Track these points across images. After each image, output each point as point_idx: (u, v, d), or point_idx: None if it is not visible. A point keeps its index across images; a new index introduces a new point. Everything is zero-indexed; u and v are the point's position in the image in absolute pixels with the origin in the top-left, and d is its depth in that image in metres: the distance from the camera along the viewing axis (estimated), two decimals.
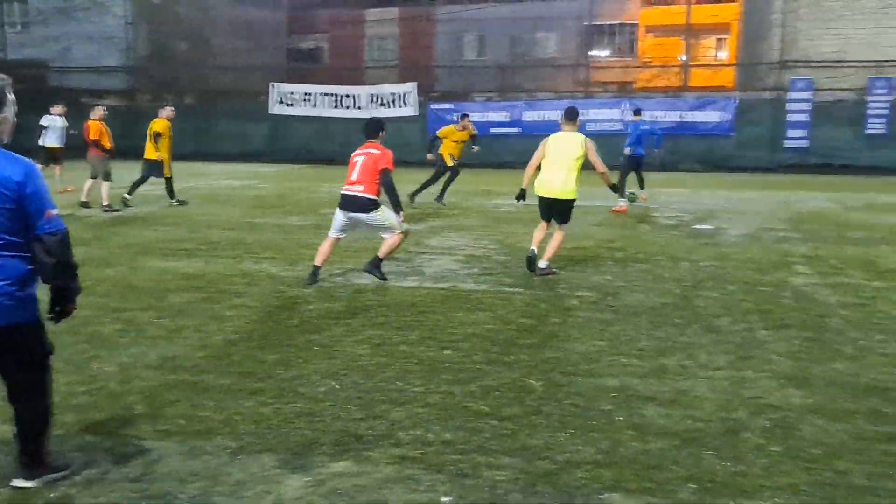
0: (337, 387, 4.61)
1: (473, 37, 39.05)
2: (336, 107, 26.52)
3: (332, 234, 7.53)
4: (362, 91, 26.69)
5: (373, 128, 7.61)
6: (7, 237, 3.07)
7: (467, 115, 15.15)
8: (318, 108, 26.70)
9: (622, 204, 13.33)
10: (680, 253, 9.27)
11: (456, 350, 5.36)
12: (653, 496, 3.31)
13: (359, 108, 26.16)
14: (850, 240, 10.28)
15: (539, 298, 6.94)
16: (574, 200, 8.00)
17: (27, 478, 3.31)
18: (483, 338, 5.66)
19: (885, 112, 21.39)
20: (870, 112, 21.48)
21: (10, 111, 3.20)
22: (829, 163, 21.83)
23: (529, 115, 24.46)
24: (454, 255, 9.10)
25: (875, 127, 21.59)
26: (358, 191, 7.29)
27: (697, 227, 11.64)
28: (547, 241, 8.06)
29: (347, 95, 26.60)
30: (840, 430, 4.00)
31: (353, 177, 7.34)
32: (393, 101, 25.83)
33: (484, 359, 5.16)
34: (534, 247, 7.95)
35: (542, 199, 8.07)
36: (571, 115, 8.01)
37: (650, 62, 32.71)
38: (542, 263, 7.89)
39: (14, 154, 3.14)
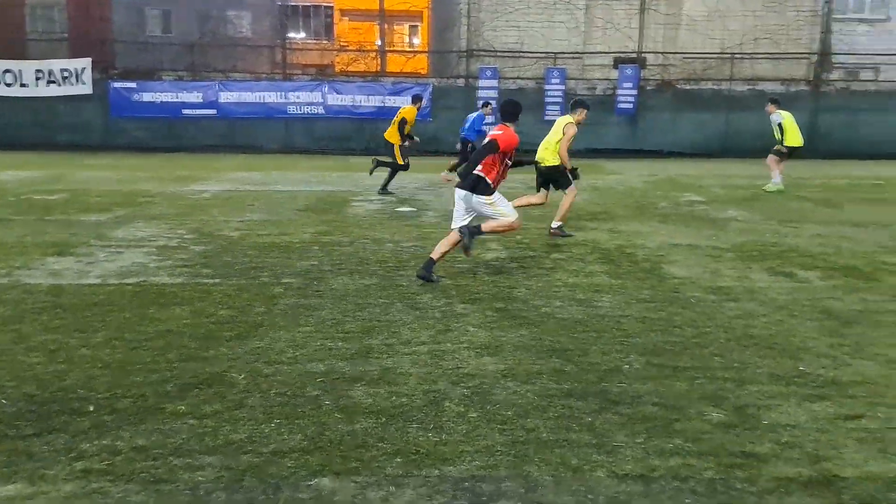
0: (4, 402, 4.08)
1: (157, 11, 36.73)
2: None
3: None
4: (26, 66, 23.79)
5: (510, 111, 7.44)
6: None
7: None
8: None
9: None
10: (384, 235, 9.60)
11: (148, 349, 5.02)
12: (360, 475, 3.40)
13: (23, 85, 23.32)
14: (533, 216, 11.39)
15: (241, 288, 6.76)
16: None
17: None
18: (179, 334, 5.37)
19: (559, 100, 24.04)
20: (547, 100, 23.99)
21: None
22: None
23: (226, 97, 23.64)
24: (144, 248, 8.52)
25: (551, 113, 24.15)
26: (478, 171, 7.24)
27: (400, 209, 12.14)
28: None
29: (7, 71, 23.55)
30: (528, 391, 4.43)
31: None
32: (65, 79, 23.38)
33: (180, 356, 4.90)
34: None
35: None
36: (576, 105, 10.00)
37: (347, 46, 33.37)
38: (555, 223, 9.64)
39: None
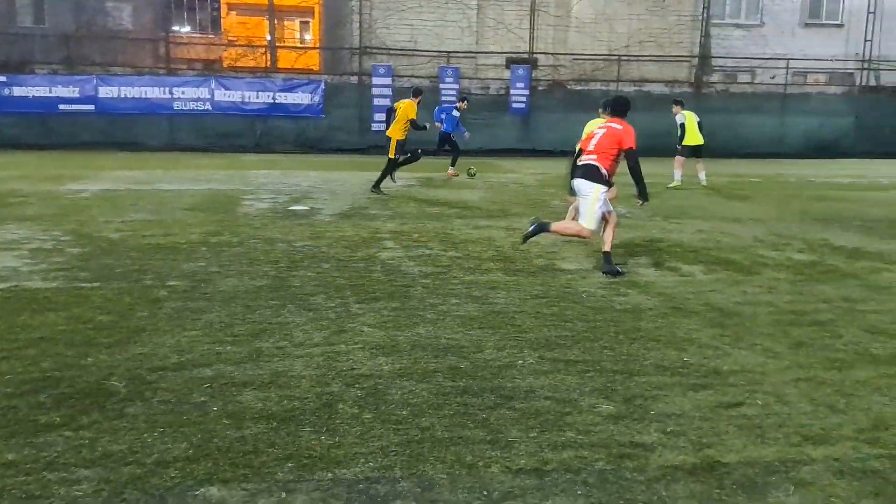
0: None
1: (28, 1, 34.68)
2: None
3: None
4: None
5: (621, 106, 7.89)
6: None
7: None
8: None
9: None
10: (275, 234, 9.40)
11: (19, 359, 4.73)
12: (249, 482, 3.30)
13: None
14: (430, 215, 11.45)
15: (122, 292, 6.46)
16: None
17: None
18: (54, 341, 5.08)
19: (453, 99, 24.22)
20: (442, 98, 24.12)
21: None
22: (411, 144, 24.03)
23: (105, 92, 22.61)
24: (16, 251, 8.04)
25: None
26: (591, 159, 7.61)
27: (292, 207, 11.93)
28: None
29: None
30: (424, 390, 4.43)
31: (590, 146, 7.71)
32: None
33: (55, 364, 4.64)
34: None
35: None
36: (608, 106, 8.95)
37: (235, 41, 32.54)
38: None
39: None
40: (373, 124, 23.90)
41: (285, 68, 27.62)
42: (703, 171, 16.24)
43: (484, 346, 5.28)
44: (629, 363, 4.99)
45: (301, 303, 6.28)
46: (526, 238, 7.96)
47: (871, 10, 28.21)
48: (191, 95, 22.95)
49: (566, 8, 26.12)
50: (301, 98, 23.65)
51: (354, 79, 24.61)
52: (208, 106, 23.00)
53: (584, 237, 7.88)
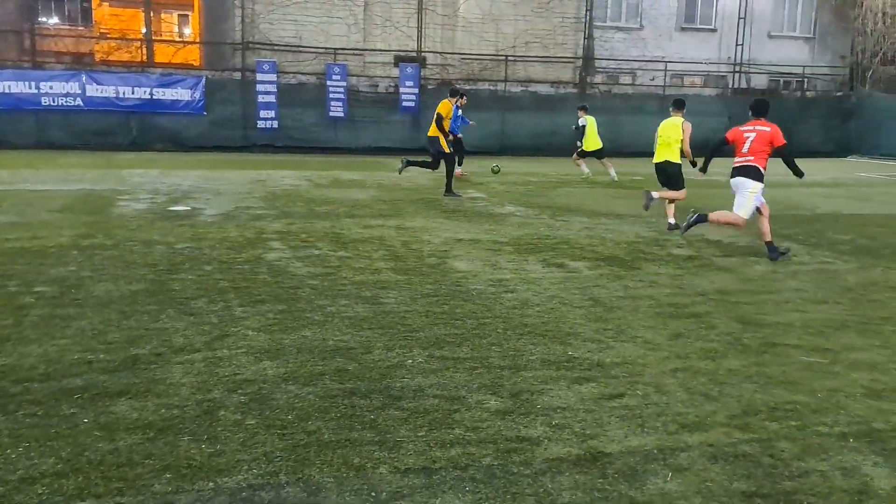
0: None
1: None
2: None
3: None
4: None
5: (762, 107, 9.06)
6: None
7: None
8: None
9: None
10: (154, 236, 9.06)
11: None
12: (124, 495, 3.17)
13: None
14: (319, 214, 11.31)
15: None
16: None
17: None
18: None
19: (342, 97, 24.06)
20: (330, 96, 23.91)
21: None
22: (298, 142, 23.71)
23: None
24: None
25: (336, 110, 24.14)
26: (749, 160, 8.75)
27: (173, 208, 11.53)
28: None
29: None
30: (310, 393, 4.37)
31: (745, 149, 8.82)
32: None
33: None
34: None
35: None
36: (679, 105, 11.23)
37: (108, 33, 31.13)
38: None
39: None
40: (258, 121, 23.41)
41: (163, 63, 26.67)
42: (612, 167, 17.70)
43: (373, 346, 5.26)
44: (517, 359, 5.09)
45: (181, 307, 6.07)
46: (686, 228, 9.38)
47: (742, 15, 29.86)
48: (60, 90, 21.78)
49: (453, 7, 26.37)
50: (181, 94, 22.86)
51: (238, 75, 24.00)
52: (79, 102, 21.89)
53: (738, 226, 9.04)
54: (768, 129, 8.81)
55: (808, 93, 30.67)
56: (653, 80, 28.77)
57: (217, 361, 4.83)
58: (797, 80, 31.14)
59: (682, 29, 29.76)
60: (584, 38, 28.04)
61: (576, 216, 11.80)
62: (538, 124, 25.78)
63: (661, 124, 11.18)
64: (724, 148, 9.28)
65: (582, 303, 6.61)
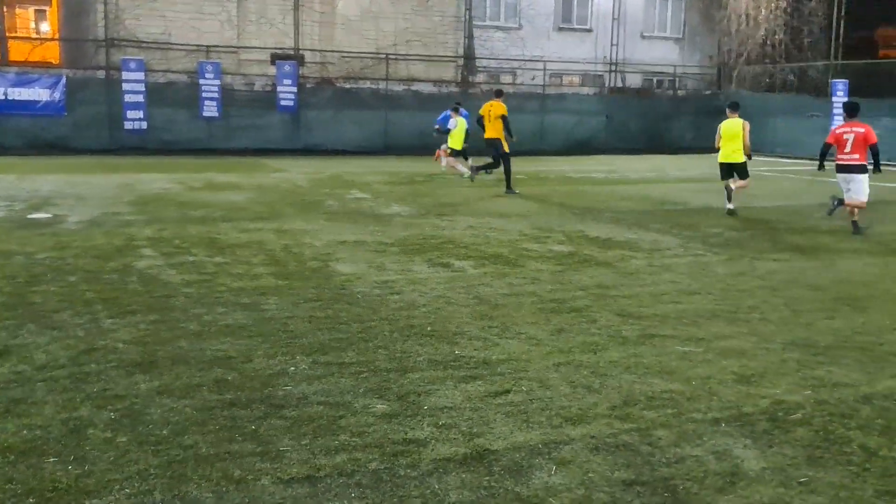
0: None
1: None
2: None
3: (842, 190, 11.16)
4: None
5: (855, 109, 11.14)
6: None
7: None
8: None
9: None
10: (12, 246, 8.55)
11: None
12: None
13: None
14: (193, 219, 10.98)
15: None
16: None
17: None
18: None
19: (216, 96, 23.41)
20: (204, 95, 23.22)
21: None
22: (170, 144, 22.89)
23: None
24: None
25: (209, 110, 23.46)
26: (854, 159, 10.85)
27: (32, 216, 10.92)
28: None
29: None
30: (187, 406, 4.23)
31: (847, 149, 10.86)
32: None
33: None
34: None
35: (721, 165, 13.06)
36: (735, 107, 13.21)
37: None
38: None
39: None
40: (125, 122, 22.46)
41: (18, 61, 25.19)
42: (464, 167, 17.98)
43: (253, 355, 5.15)
44: (403, 360, 5.10)
45: (43, 321, 5.76)
46: (830, 212, 11.46)
47: (616, 16, 31.05)
48: None
49: (331, 4, 26.15)
50: (39, 94, 21.66)
51: (101, 73, 22.95)
52: None
53: (862, 206, 10.92)
54: (862, 129, 10.84)
55: (679, 91, 32.21)
56: (533, 79, 29.48)
57: (84, 377, 4.61)
58: (669, 79, 32.66)
59: (560, 29, 30.66)
60: (465, 38, 28.44)
61: (461, 216, 11.94)
62: (422, 123, 25.92)
63: (723, 124, 12.93)
64: (830, 149, 11.27)
65: (468, 302, 6.70)
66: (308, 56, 26.02)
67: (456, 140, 18.21)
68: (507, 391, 4.59)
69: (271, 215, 11.53)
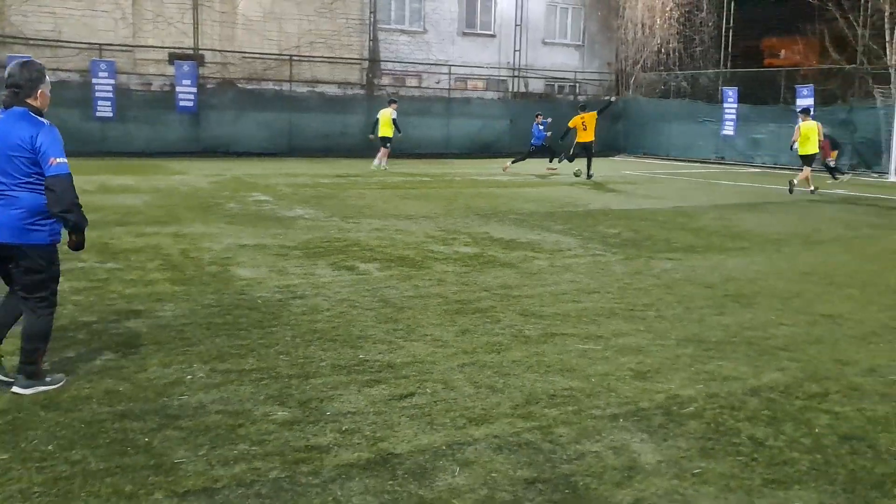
0: None
1: None
2: None
3: None
4: None
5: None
6: (22, 178, 4.30)
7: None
8: None
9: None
10: None
11: None
12: None
13: None
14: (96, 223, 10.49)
15: None
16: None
17: (23, 387, 4.34)
18: None
19: (111, 96, 22.53)
20: (97, 95, 22.31)
21: (48, 87, 4.56)
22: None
23: None
24: None
25: (103, 110, 22.56)
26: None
27: None
28: None
29: None
30: (75, 419, 4.02)
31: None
32: None
33: None
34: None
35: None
36: (807, 112, 17.80)
37: None
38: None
39: (37, 118, 4.41)
40: None
41: None
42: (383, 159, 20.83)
43: (147, 364, 4.95)
44: (305, 366, 5.00)
45: None
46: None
47: (518, 23, 31.55)
48: None
49: (232, 4, 25.59)
50: None
51: None
52: None
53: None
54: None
55: (580, 97, 32.95)
56: (438, 82, 29.62)
57: None
58: (570, 85, 33.40)
59: (464, 34, 30.91)
60: (369, 40, 28.32)
61: (366, 218, 11.86)
62: (327, 125, 25.67)
63: (802, 126, 17.35)
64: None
65: (372, 305, 6.64)
66: (208, 56, 25.38)
67: (382, 129, 21.18)
68: (412, 394, 4.56)
69: (169, 219, 11.16)
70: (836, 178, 19.93)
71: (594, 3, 33.65)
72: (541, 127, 21.68)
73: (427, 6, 29.84)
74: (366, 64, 28.33)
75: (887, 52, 26.33)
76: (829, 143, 20.61)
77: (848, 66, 27.77)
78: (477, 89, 31.56)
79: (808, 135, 17.21)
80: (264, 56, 25.99)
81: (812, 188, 17.14)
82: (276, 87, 25.64)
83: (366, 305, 6.61)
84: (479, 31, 31.35)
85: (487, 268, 8.38)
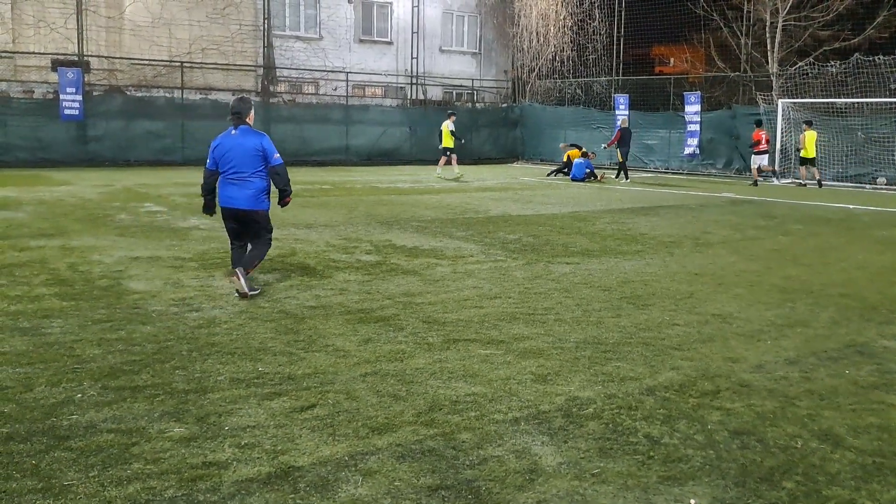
0: None
1: None
2: None
3: None
4: None
5: (758, 122, 21.61)
6: (256, 169, 7.28)
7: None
8: None
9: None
10: None
11: None
12: None
13: None
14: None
15: None
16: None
17: (242, 273, 7.20)
18: None
19: None
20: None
21: (253, 111, 7.54)
22: None
23: None
24: None
25: None
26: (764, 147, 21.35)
27: None
28: None
29: None
30: None
31: (762, 141, 21.29)
32: None
33: None
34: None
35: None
36: (810, 122, 22.31)
37: None
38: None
39: (258, 131, 7.47)
40: None
41: None
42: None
43: (34, 383, 4.72)
44: (203, 381, 4.88)
45: None
46: (765, 178, 19.08)
47: (415, 30, 31.72)
48: None
49: (119, 9, 24.71)
50: None
51: None
52: None
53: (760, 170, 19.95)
54: (763, 132, 19.28)
55: (477, 104, 33.42)
56: (335, 89, 29.45)
57: None
58: (468, 92, 33.82)
59: (361, 41, 30.85)
60: (264, 47, 27.88)
61: None
62: (221, 132, 25.09)
63: (806, 135, 21.66)
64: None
65: (272, 316, 6.53)
66: (94, 62, 24.43)
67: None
68: (313, 405, 4.51)
69: (56, 232, 10.67)
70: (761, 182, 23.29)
71: (490, 11, 34.19)
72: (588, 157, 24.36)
73: (323, 13, 29.63)
74: (261, 71, 27.87)
75: (769, 60, 27.85)
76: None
77: (732, 74, 29.21)
78: (375, 96, 31.54)
79: (809, 142, 21.67)
80: (154, 62, 25.23)
81: (804, 181, 22.20)
82: (168, 95, 24.92)
83: (265, 317, 6.50)
84: (376, 38, 31.36)
85: (390, 276, 8.39)
